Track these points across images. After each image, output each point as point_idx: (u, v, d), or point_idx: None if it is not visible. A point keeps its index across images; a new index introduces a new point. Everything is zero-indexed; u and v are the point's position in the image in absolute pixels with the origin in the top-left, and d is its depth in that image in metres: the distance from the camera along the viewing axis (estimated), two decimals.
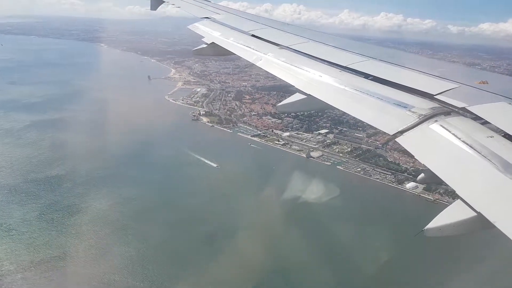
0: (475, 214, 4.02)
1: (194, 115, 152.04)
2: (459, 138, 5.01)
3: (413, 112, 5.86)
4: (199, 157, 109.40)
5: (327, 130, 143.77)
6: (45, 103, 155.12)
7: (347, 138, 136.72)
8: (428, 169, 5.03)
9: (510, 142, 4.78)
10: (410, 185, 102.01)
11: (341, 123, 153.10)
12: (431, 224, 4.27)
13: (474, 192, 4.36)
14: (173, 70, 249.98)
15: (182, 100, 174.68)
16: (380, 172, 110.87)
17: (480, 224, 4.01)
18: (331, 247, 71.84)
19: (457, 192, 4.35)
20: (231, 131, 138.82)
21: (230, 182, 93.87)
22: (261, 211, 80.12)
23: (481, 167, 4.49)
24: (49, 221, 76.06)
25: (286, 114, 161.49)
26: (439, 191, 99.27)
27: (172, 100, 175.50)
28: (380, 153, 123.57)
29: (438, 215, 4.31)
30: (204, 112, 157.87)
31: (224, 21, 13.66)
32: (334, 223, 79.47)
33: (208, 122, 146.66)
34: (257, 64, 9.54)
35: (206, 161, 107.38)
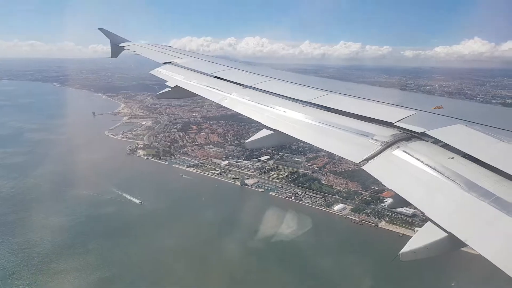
0: (446, 234, 4.06)
1: (130, 149, 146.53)
2: (422, 162, 5.12)
3: (375, 140, 5.97)
4: (122, 193, 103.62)
5: (268, 157, 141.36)
6: None
7: (286, 164, 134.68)
8: (396, 194, 5.06)
9: (471, 162, 4.88)
10: (338, 207, 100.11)
11: (283, 148, 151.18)
12: (406, 248, 4.26)
13: (443, 213, 4.37)
14: (123, 105, 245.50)
15: (122, 135, 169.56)
16: (311, 196, 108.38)
17: (452, 244, 4.06)
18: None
19: (426, 214, 4.39)
20: (166, 163, 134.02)
21: (148, 219, 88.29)
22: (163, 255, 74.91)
23: (447, 188, 4.57)
24: None
25: (229, 143, 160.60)
26: (366, 212, 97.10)
27: (112, 135, 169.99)
28: (316, 177, 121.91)
29: (411, 239, 4.32)
30: (142, 145, 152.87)
31: (186, 65, 13.94)
32: (254, 247, 77.86)
33: (143, 155, 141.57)
34: (222, 104, 9.68)
35: (130, 197, 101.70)
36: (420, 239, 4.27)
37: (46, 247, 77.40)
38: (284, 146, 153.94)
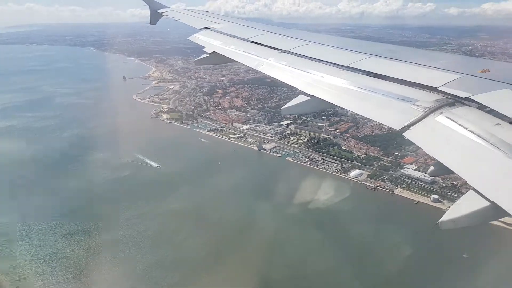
0: (488, 203, 3.97)
1: (155, 113, 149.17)
2: (466, 128, 4.97)
3: (418, 105, 5.83)
4: (142, 157, 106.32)
5: (290, 121, 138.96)
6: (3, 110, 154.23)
7: (308, 128, 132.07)
8: (438, 161, 4.95)
9: None
10: (354, 173, 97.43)
11: (306, 113, 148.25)
12: (445, 217, 4.19)
13: (486, 181, 4.26)
14: (154, 69, 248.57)
15: (149, 99, 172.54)
16: (328, 161, 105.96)
17: (493, 213, 3.99)
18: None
19: (468, 182, 4.28)
20: (188, 127, 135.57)
21: (164, 183, 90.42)
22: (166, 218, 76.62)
23: (491, 156, 4.43)
24: None
25: (252, 107, 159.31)
26: (383, 178, 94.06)
27: (139, 99, 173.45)
28: (337, 142, 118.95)
29: (451, 207, 4.23)
30: (167, 109, 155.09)
31: (223, 30, 13.89)
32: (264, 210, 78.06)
33: (167, 119, 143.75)
34: (259, 69, 9.66)
35: (148, 161, 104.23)
36: (460, 208, 4.20)
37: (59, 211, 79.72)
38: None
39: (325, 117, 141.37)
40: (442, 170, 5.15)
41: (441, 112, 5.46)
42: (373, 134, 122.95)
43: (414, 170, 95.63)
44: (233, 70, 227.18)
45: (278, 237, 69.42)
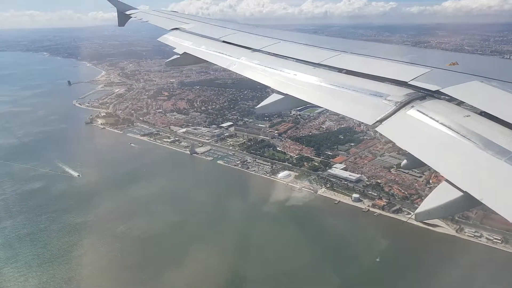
0: (461, 193, 4.03)
1: (90, 118, 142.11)
2: (437, 121, 5.04)
3: (389, 100, 5.92)
4: (63, 166, 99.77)
5: (231, 123, 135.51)
6: None
7: (247, 130, 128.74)
8: (410, 154, 4.99)
9: (487, 119, 4.78)
10: (282, 174, 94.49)
11: (250, 114, 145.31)
12: (420, 209, 4.23)
13: (458, 172, 4.33)
14: (103, 72, 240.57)
15: (88, 103, 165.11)
16: (260, 163, 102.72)
17: (467, 203, 4.05)
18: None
19: (441, 173, 4.34)
20: (121, 132, 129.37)
21: (76, 194, 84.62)
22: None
23: (462, 147, 4.51)
24: None
25: (195, 109, 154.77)
26: (310, 178, 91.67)
27: (78, 104, 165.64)
28: (273, 143, 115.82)
29: (425, 199, 4.26)
30: (104, 114, 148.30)
31: (194, 30, 13.84)
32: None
33: (101, 124, 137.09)
34: (230, 69, 9.66)
35: (69, 170, 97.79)
36: (434, 199, 4.22)
37: None
38: (252, 111, 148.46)
39: (267, 118, 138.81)
40: (415, 163, 5.21)
41: (412, 106, 5.54)
42: (310, 134, 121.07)
43: (341, 169, 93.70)
44: (184, 72, 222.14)
45: (175, 247, 65.07)
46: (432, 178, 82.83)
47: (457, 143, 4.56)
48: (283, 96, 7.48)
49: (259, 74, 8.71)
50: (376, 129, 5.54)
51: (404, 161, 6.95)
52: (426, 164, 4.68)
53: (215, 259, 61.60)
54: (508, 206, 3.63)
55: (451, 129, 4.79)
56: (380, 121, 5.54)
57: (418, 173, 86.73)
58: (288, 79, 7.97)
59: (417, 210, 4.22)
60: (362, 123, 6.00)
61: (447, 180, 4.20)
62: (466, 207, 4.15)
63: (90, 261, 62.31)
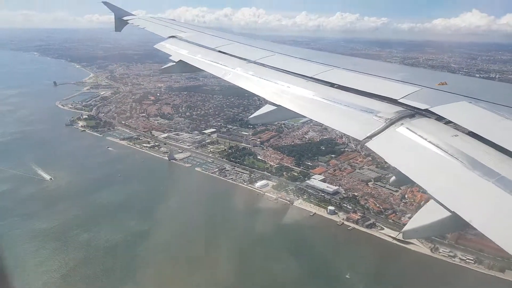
0: (449, 214, 3.98)
1: (71, 120, 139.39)
2: (426, 139, 5.07)
3: (379, 117, 5.97)
4: (36, 168, 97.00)
5: (214, 130, 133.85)
6: None
7: (230, 137, 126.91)
8: (399, 171, 5.02)
9: (475, 139, 4.80)
10: (259, 184, 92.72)
11: (235, 121, 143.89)
12: (407, 227, 4.22)
13: (446, 191, 4.30)
14: (92, 74, 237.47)
15: (71, 105, 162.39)
16: (238, 171, 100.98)
17: (455, 224, 4.02)
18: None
19: (429, 192, 4.32)
20: (101, 135, 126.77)
21: (45, 198, 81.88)
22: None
23: (450, 166, 4.50)
24: None
25: (179, 114, 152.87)
26: (287, 189, 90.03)
27: (61, 105, 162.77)
28: (255, 151, 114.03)
29: (413, 217, 4.24)
30: (86, 116, 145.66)
31: (190, 39, 13.90)
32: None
33: (81, 126, 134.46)
34: (225, 79, 9.73)
35: (42, 172, 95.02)
36: (422, 217, 4.20)
37: None
38: (236, 118, 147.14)
39: (251, 126, 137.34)
40: (403, 180, 5.27)
41: (402, 123, 5.58)
42: (293, 143, 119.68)
43: (320, 181, 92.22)
44: (173, 77, 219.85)
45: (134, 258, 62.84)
46: (408, 193, 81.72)
47: (445, 162, 4.57)
48: (276, 107, 7.61)
49: (253, 84, 8.83)
50: (366, 144, 5.58)
51: (393, 178, 7.02)
52: (414, 182, 4.65)
53: (172, 271, 59.37)
54: (497, 230, 3.59)
55: (439, 147, 4.81)
56: (370, 137, 5.60)
57: (394, 187, 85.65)
58: (281, 91, 8.10)
59: (405, 228, 4.20)
60: (352, 137, 5.92)
61: (434, 199, 4.15)
62: (455, 228, 4.15)
63: (47, 270, 59.78)
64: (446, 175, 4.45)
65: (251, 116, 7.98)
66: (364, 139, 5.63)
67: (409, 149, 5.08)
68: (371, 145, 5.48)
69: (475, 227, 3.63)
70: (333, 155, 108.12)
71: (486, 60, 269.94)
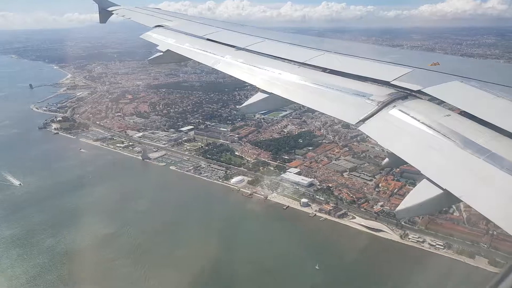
0: (441, 191, 4.06)
1: (44, 123, 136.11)
2: (418, 120, 5.12)
3: (372, 100, 5.96)
4: (4, 174, 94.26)
5: (191, 127, 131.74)
6: None
7: (207, 134, 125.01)
8: (392, 153, 5.09)
9: (467, 119, 4.84)
10: (235, 180, 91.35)
11: (213, 117, 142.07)
12: (400, 206, 4.26)
13: (438, 170, 4.38)
14: (69, 75, 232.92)
15: (46, 107, 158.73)
16: (214, 168, 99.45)
17: (446, 201, 4.11)
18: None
19: (421, 172, 4.36)
20: (74, 137, 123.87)
21: (12, 204, 79.84)
22: None
23: (442, 146, 4.57)
24: None
25: (156, 113, 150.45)
26: (263, 184, 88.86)
27: (36, 108, 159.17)
28: (232, 147, 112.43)
29: (406, 197, 4.28)
30: (60, 118, 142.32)
31: (177, 28, 13.55)
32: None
33: (55, 129, 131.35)
34: (215, 67, 9.52)
35: (10, 178, 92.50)
36: (415, 197, 4.26)
37: None
38: (215, 114, 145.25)
39: (230, 121, 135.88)
40: (397, 161, 5.35)
41: (394, 106, 5.58)
42: (271, 138, 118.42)
43: (295, 173, 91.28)
44: (152, 75, 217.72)
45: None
46: (382, 181, 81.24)
47: (438, 142, 4.60)
48: (268, 95, 7.45)
49: (244, 72, 8.63)
50: (359, 128, 5.55)
51: (386, 160, 7.11)
52: (407, 163, 4.71)
53: (138, 274, 58.03)
54: (486, 203, 3.73)
55: (432, 128, 4.83)
56: (363, 120, 5.59)
57: (369, 176, 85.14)
58: (273, 78, 7.93)
59: (398, 208, 4.23)
60: (345, 122, 5.93)
61: (427, 178, 4.21)
62: (446, 205, 4.23)
63: (9, 277, 57.87)
64: (438, 154, 4.51)
65: (243, 105, 7.77)
66: (357, 123, 5.61)
67: (402, 131, 5.11)
68: (364, 128, 5.48)
69: (466, 202, 3.76)
70: (310, 148, 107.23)
71: (471, 44, 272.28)
